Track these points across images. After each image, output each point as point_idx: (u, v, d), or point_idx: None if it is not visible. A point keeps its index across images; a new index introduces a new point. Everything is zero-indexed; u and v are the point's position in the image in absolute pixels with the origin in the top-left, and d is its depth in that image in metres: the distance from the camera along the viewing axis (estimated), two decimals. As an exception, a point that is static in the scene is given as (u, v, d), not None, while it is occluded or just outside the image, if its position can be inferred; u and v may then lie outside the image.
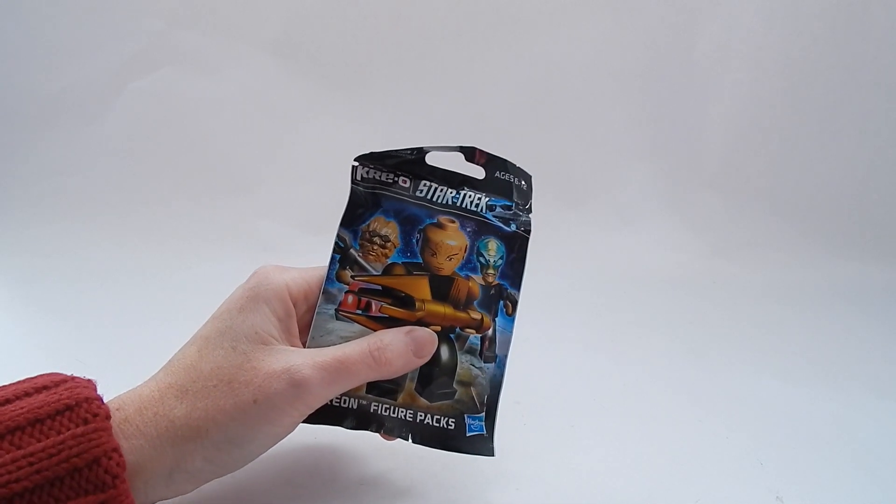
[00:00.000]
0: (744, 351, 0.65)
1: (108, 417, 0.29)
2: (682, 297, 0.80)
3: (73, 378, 0.31)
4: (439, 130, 0.94)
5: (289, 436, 0.40)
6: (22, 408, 0.28)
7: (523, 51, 0.97)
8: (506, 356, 0.39)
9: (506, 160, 0.40)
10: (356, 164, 0.38)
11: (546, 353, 0.60)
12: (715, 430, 0.49)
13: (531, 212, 0.40)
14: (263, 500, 0.38)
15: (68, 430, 0.28)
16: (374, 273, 0.38)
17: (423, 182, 0.39)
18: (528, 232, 0.40)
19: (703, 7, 0.97)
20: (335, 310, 0.37)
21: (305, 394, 0.32)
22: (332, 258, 0.38)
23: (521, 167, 0.40)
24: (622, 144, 1.00)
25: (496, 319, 0.39)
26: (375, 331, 0.37)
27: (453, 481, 0.40)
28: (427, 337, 0.37)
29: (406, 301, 0.38)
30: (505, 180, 0.40)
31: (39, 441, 0.27)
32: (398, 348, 0.35)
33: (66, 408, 0.28)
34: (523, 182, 0.40)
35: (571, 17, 0.97)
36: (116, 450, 0.28)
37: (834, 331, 0.72)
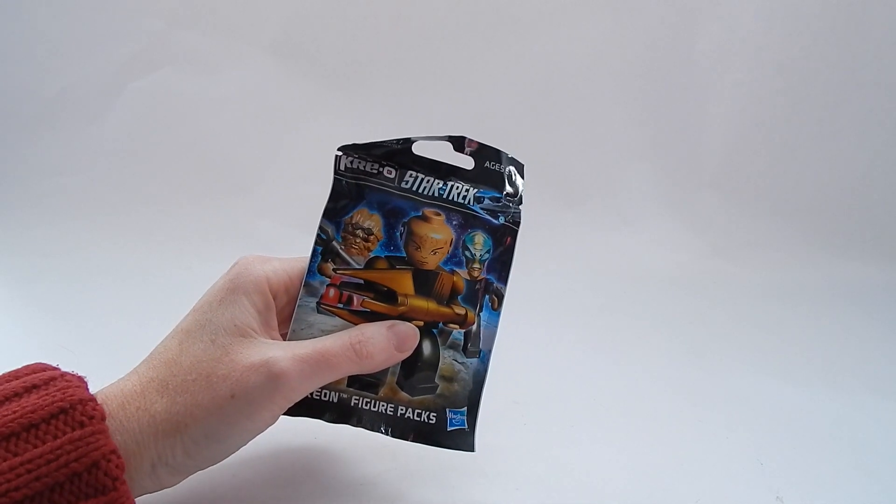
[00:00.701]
0: (744, 351, 0.65)
1: (103, 419, 0.28)
2: (682, 297, 0.80)
3: (62, 375, 0.30)
4: (439, 130, 0.94)
5: (289, 436, 0.40)
6: (15, 412, 0.28)
7: (523, 51, 0.97)
8: (490, 351, 0.38)
9: (498, 149, 0.39)
10: (339, 153, 0.38)
11: (546, 353, 0.60)
12: (715, 430, 0.49)
13: (521, 202, 0.39)
14: (263, 500, 0.38)
15: (65, 434, 0.27)
16: (357, 267, 0.37)
17: (409, 172, 0.38)
18: (518, 224, 0.39)
19: (703, 7, 0.97)
20: (316, 303, 0.37)
21: (283, 387, 0.32)
22: (315, 250, 0.37)
23: (515, 156, 0.39)
24: (622, 144, 0.99)
25: (481, 314, 0.38)
26: (357, 325, 0.36)
27: (453, 481, 0.40)
28: (409, 331, 0.36)
29: (388, 296, 0.37)
30: (495, 171, 0.39)
31: (36, 447, 0.27)
32: (380, 342, 0.35)
33: (60, 411, 0.28)
34: (515, 172, 0.39)
35: (571, 16, 0.97)
36: (115, 452, 0.28)
37: (834, 331, 0.72)
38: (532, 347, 0.59)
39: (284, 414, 0.34)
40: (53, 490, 0.26)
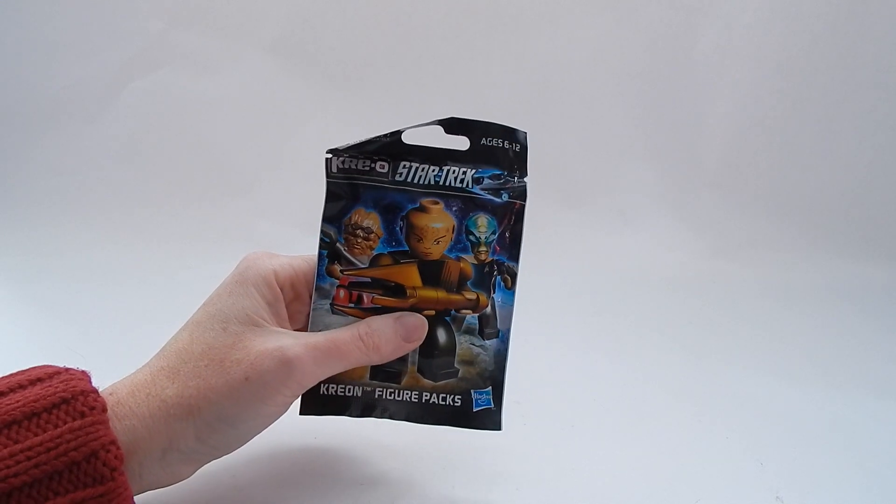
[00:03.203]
0: (744, 351, 0.65)
1: (104, 410, 0.29)
2: (682, 297, 0.80)
3: (66, 370, 0.31)
4: (439, 130, 0.94)
5: (289, 436, 0.40)
6: (17, 401, 0.28)
7: (523, 51, 0.97)
8: (508, 330, 0.38)
9: (489, 123, 0.37)
10: (329, 156, 0.37)
11: (546, 353, 0.60)
12: (715, 430, 0.49)
13: (526, 174, 0.38)
14: (263, 500, 0.38)
15: (65, 423, 0.28)
16: (362, 266, 0.37)
17: (403, 164, 0.37)
18: (523, 197, 0.38)
19: (703, 7, 0.97)
20: (330, 304, 0.37)
21: (297, 372, 0.32)
22: (320, 254, 0.37)
23: (512, 126, 0.38)
24: (622, 144, 1.00)
25: (495, 295, 0.38)
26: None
27: (453, 481, 0.40)
28: (416, 322, 0.37)
29: (396, 290, 0.37)
30: (492, 146, 0.37)
31: (37, 435, 0.27)
32: (387, 333, 0.36)
33: (62, 401, 0.28)
34: (514, 145, 0.37)
35: (571, 16, 0.97)
36: (114, 442, 0.28)
37: (834, 331, 0.72)
38: (532, 347, 0.59)
39: (309, 413, 0.35)
40: (52, 478, 0.27)
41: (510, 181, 0.38)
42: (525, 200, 0.38)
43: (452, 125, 0.37)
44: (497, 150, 0.37)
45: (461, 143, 0.38)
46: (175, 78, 0.94)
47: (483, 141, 0.37)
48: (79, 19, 0.92)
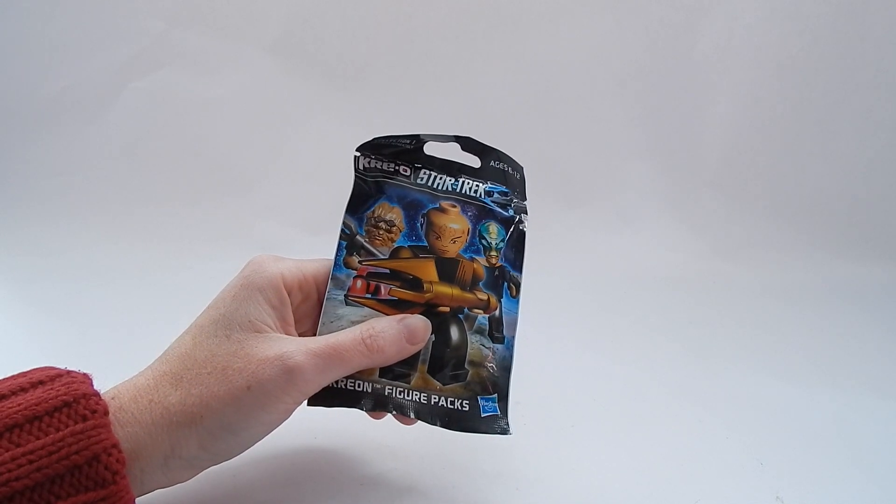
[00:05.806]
0: (744, 351, 0.65)
1: (106, 413, 0.29)
2: (682, 298, 0.80)
3: (68, 372, 0.31)
4: (440, 130, 0.94)
5: (289, 436, 0.40)
6: (19, 404, 0.28)
7: (523, 51, 0.97)
8: (513, 337, 0.39)
9: (499, 151, 0.41)
10: (358, 154, 0.39)
11: (546, 353, 0.60)
12: (715, 430, 0.49)
13: (526, 199, 0.41)
14: (263, 500, 0.38)
15: (67, 427, 0.28)
16: (382, 257, 0.38)
17: (423, 171, 0.40)
18: (525, 214, 0.41)
19: (703, 7, 0.97)
20: (344, 295, 0.37)
21: (298, 380, 0.32)
22: (339, 245, 0.38)
23: (514, 158, 0.41)
24: (622, 144, 1.00)
25: (501, 301, 0.39)
26: (386, 314, 0.37)
27: (453, 481, 0.40)
28: (420, 324, 0.37)
29: (414, 283, 0.38)
30: (500, 169, 0.41)
31: (38, 438, 0.27)
32: (391, 335, 0.36)
33: (63, 404, 0.28)
34: (516, 173, 0.41)
35: (571, 16, 0.97)
36: (116, 446, 0.28)
37: (834, 331, 0.72)
38: (533, 347, 0.59)
39: (321, 405, 0.35)
40: (54, 481, 0.27)
41: (515, 200, 0.41)
42: (526, 216, 0.41)
43: (469, 144, 0.40)
44: (505, 172, 0.41)
45: (473, 159, 0.41)
46: (175, 78, 0.94)
47: (493, 163, 0.41)
48: (79, 19, 0.92)
